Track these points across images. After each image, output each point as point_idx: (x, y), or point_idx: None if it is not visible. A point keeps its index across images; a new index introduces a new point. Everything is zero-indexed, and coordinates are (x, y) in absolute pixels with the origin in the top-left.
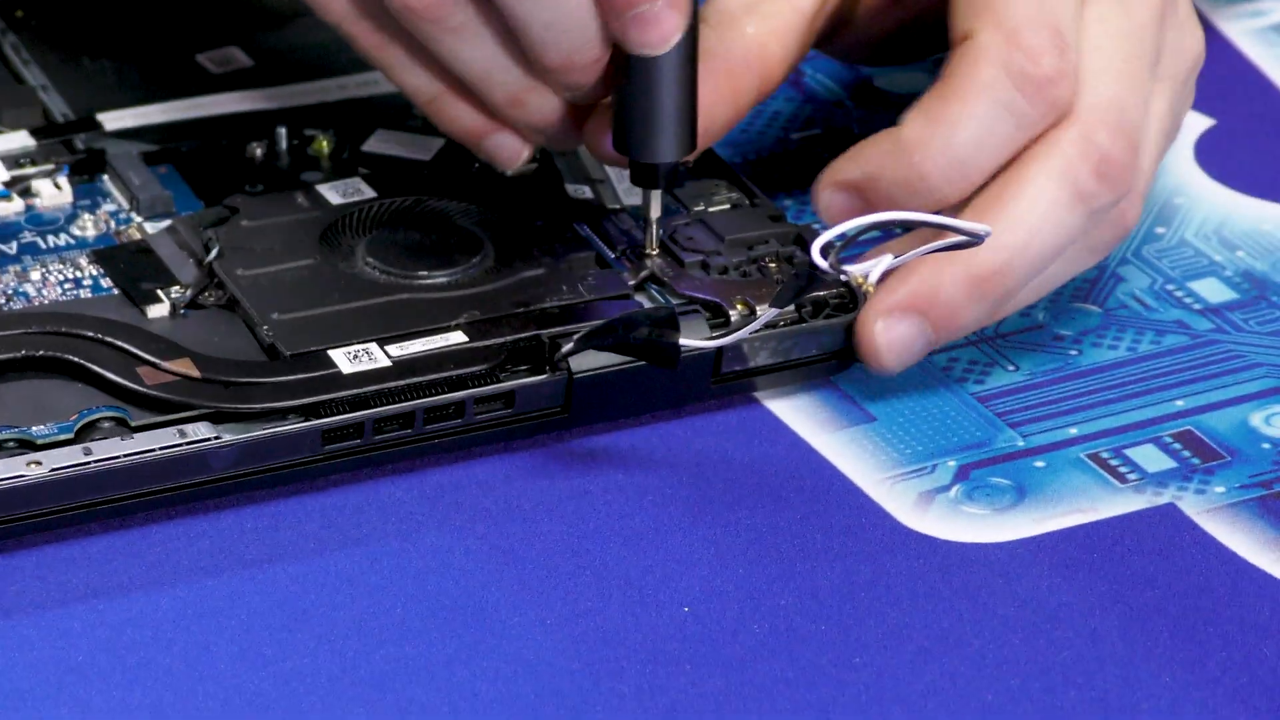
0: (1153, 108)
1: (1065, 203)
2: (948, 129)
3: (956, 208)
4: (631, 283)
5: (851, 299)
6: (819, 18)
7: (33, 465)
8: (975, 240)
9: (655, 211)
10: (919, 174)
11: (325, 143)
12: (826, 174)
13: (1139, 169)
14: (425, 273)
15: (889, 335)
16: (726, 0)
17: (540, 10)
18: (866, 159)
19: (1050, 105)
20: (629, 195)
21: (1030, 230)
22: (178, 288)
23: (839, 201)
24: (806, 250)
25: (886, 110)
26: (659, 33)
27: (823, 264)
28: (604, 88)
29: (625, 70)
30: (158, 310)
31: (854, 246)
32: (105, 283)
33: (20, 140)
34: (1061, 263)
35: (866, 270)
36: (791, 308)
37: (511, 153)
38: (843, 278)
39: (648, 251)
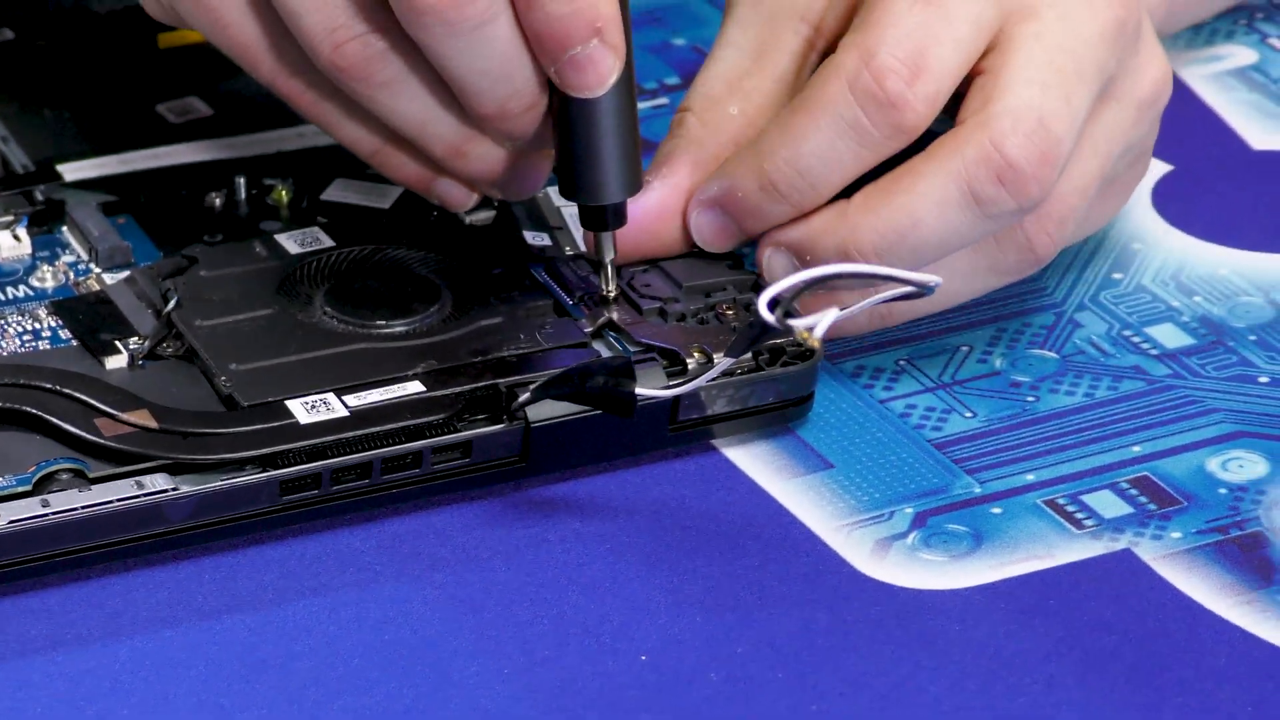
0: (1093, 124)
1: (956, 200)
2: (794, 141)
3: (814, 216)
4: (589, 330)
5: (809, 347)
6: (802, 83)
7: None
8: (924, 291)
9: (608, 254)
10: (770, 181)
11: (284, 192)
12: (699, 192)
13: (1048, 180)
14: (383, 322)
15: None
16: (708, 84)
17: (471, 58)
18: (726, 170)
19: (894, 129)
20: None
21: (914, 220)
22: (136, 339)
23: (708, 219)
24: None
25: None
26: (596, 75)
27: (769, 318)
28: (545, 134)
29: (564, 114)
30: (116, 361)
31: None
32: (64, 334)
33: None
34: (960, 279)
35: (812, 324)
36: (748, 356)
37: (461, 197)
38: (789, 328)
39: (605, 292)
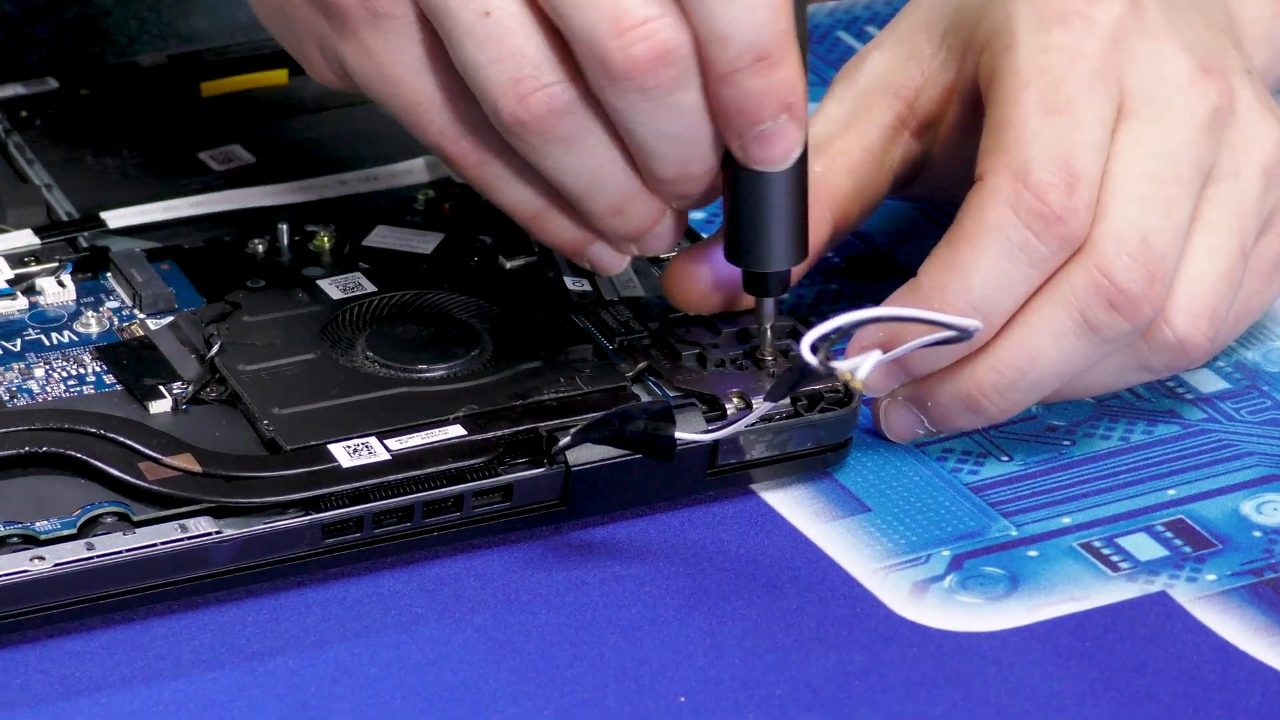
0: (1211, 208)
1: (1072, 331)
2: (962, 274)
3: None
4: (628, 374)
5: (848, 393)
6: (891, 155)
7: (36, 560)
8: (965, 335)
9: (768, 319)
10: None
11: (326, 238)
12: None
13: (1159, 297)
14: (424, 366)
15: (889, 415)
16: None
17: (660, 123)
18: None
19: (1062, 241)
20: (626, 288)
21: (1031, 356)
22: (180, 383)
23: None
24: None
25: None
26: (783, 149)
27: (812, 360)
28: (711, 194)
29: (736, 182)
30: (160, 406)
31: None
32: (108, 379)
33: (24, 239)
34: (1111, 376)
35: (855, 366)
36: (787, 401)
37: (614, 260)
38: (833, 373)
39: (761, 355)
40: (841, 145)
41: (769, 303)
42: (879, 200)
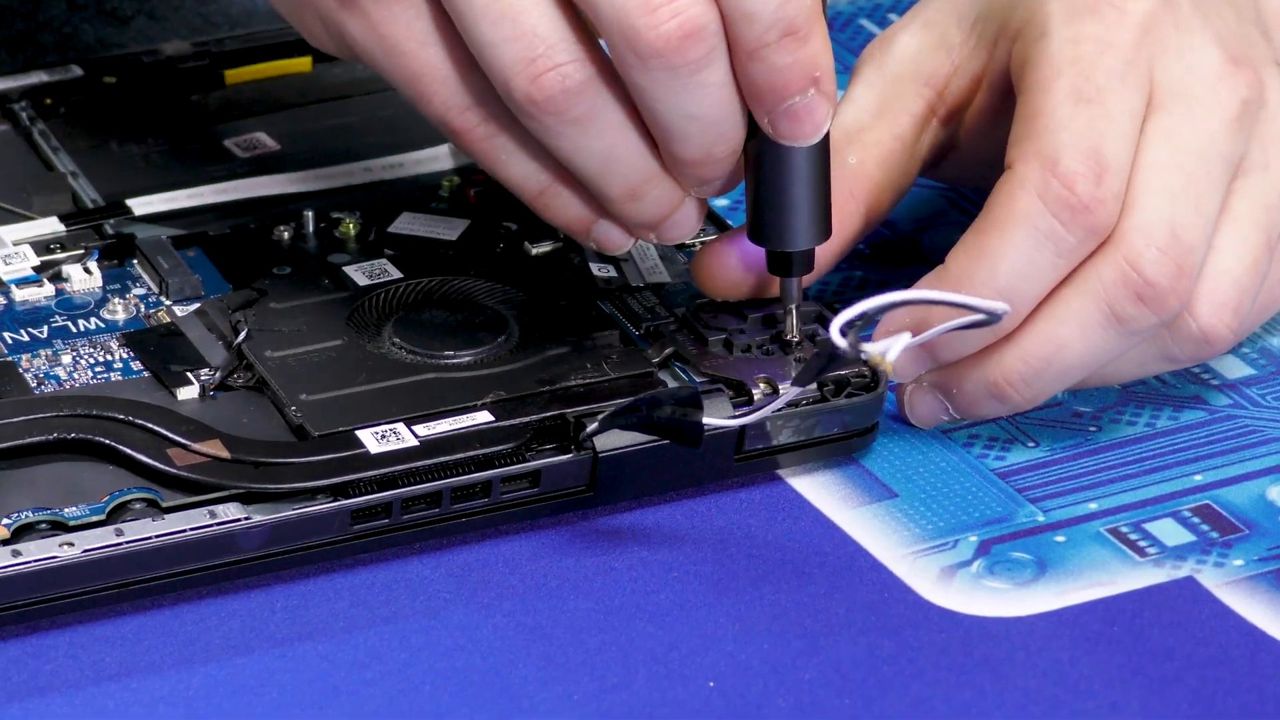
0: (1240, 200)
1: (1099, 322)
2: (990, 261)
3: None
4: (655, 360)
5: (874, 378)
6: (921, 143)
7: (65, 546)
8: (993, 318)
9: (794, 299)
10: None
11: (352, 225)
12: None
13: (1186, 291)
14: (451, 352)
15: (914, 400)
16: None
17: (686, 102)
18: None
19: (1089, 231)
20: (652, 274)
21: (1057, 346)
22: (207, 370)
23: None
24: (828, 328)
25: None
26: (812, 124)
27: (842, 343)
28: (732, 180)
29: (761, 160)
30: (187, 392)
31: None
32: (135, 365)
33: (50, 226)
34: (1133, 365)
35: (884, 349)
36: (813, 386)
37: (621, 239)
38: (862, 356)
39: (788, 338)
40: (873, 135)
41: (793, 283)
42: (908, 188)
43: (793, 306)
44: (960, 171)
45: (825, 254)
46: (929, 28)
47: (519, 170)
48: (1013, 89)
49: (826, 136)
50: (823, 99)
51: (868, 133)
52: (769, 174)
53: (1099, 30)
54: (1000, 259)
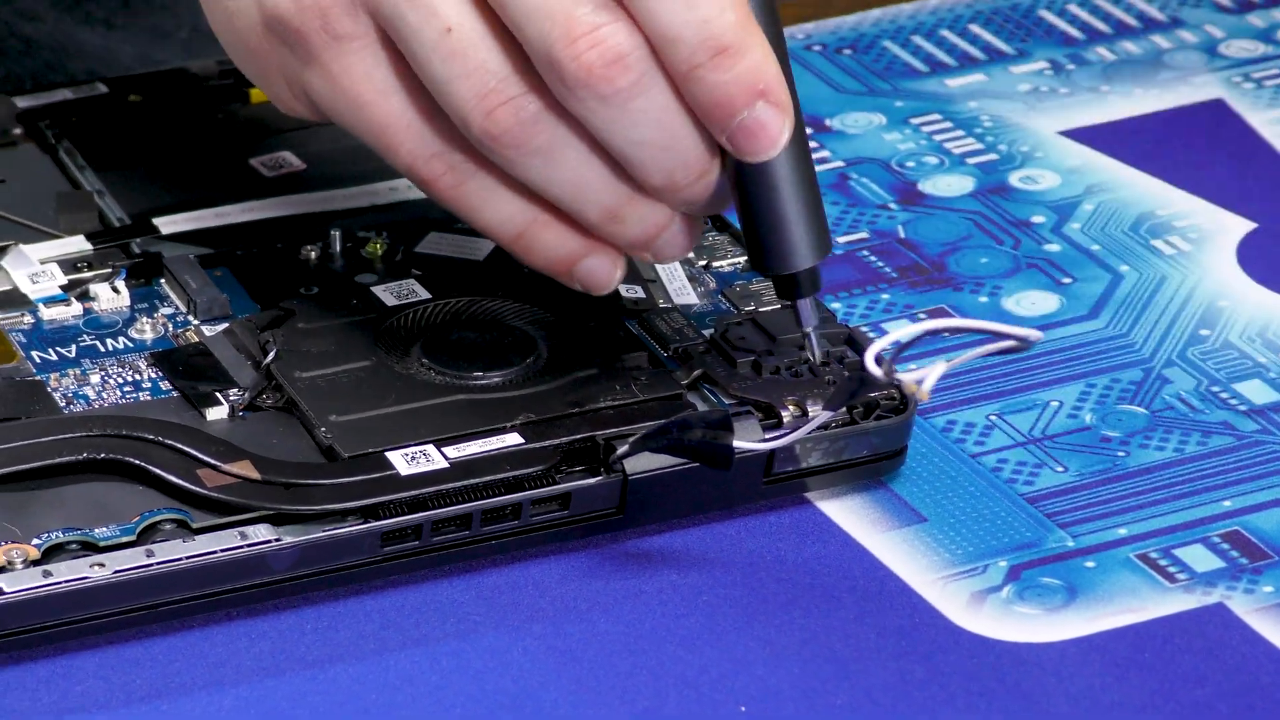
0: None
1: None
2: None
3: None
4: (684, 382)
5: (903, 400)
6: None
7: (95, 567)
8: (1025, 345)
9: (809, 322)
10: None
11: (379, 245)
12: None
13: None
14: (480, 373)
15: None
16: None
17: (628, 130)
18: None
19: None
20: (680, 295)
21: None
22: (236, 390)
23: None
24: (857, 351)
25: (930, 214)
26: (767, 138)
27: (877, 372)
28: (719, 200)
29: (740, 181)
30: (217, 412)
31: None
32: (164, 385)
33: (77, 245)
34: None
35: (921, 378)
36: (842, 410)
37: (604, 276)
38: (896, 382)
39: (811, 361)
40: None
41: (806, 305)
42: None
43: (810, 330)
44: None
45: None
46: None
47: (492, 216)
48: None
49: (804, 145)
50: (773, 109)
51: None
52: (752, 195)
53: None
54: None
